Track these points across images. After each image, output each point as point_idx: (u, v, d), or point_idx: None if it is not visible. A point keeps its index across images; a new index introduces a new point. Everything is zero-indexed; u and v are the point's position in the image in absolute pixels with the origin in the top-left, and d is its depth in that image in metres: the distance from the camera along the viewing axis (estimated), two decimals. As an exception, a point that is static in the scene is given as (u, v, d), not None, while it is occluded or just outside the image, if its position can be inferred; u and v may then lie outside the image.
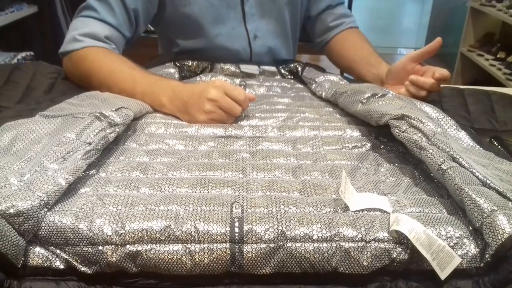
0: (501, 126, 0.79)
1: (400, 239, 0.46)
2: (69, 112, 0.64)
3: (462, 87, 0.94)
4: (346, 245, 0.46)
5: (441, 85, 0.92)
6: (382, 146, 0.69)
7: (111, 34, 0.87)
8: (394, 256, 0.46)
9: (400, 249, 0.46)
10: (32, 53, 2.06)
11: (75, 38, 0.84)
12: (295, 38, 1.14)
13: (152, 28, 1.10)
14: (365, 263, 0.46)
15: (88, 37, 0.84)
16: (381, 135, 0.71)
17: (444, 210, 0.52)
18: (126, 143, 0.67)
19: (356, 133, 0.72)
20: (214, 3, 0.95)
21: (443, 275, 0.44)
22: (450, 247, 0.45)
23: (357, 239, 0.46)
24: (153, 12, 0.97)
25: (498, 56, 2.79)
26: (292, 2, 1.04)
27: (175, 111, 0.77)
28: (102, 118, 0.62)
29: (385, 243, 0.46)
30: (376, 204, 0.51)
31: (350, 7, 3.25)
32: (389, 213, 0.50)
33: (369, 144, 0.69)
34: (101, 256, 0.46)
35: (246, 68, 0.98)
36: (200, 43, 1.00)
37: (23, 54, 2.02)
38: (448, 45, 3.89)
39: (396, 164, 0.64)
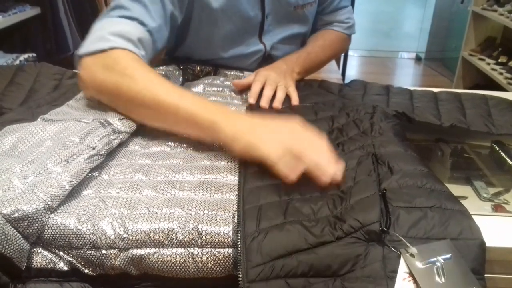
0: (497, 129, 0.77)
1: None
2: (71, 117, 0.63)
3: (459, 91, 0.92)
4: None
5: (438, 90, 0.92)
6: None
7: (144, 37, 0.72)
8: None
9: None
10: (34, 54, 2.06)
11: (103, 37, 0.69)
12: None
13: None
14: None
15: (118, 36, 0.69)
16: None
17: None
18: (128, 146, 0.67)
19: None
20: (237, 27, 0.92)
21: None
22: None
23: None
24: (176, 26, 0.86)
25: (499, 60, 2.79)
26: (303, 15, 1.00)
27: (239, 125, 0.60)
28: (107, 125, 0.61)
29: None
30: None
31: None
32: None
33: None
34: (104, 260, 0.46)
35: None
36: (211, 56, 0.97)
37: (26, 55, 2.01)
38: (449, 49, 3.90)
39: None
